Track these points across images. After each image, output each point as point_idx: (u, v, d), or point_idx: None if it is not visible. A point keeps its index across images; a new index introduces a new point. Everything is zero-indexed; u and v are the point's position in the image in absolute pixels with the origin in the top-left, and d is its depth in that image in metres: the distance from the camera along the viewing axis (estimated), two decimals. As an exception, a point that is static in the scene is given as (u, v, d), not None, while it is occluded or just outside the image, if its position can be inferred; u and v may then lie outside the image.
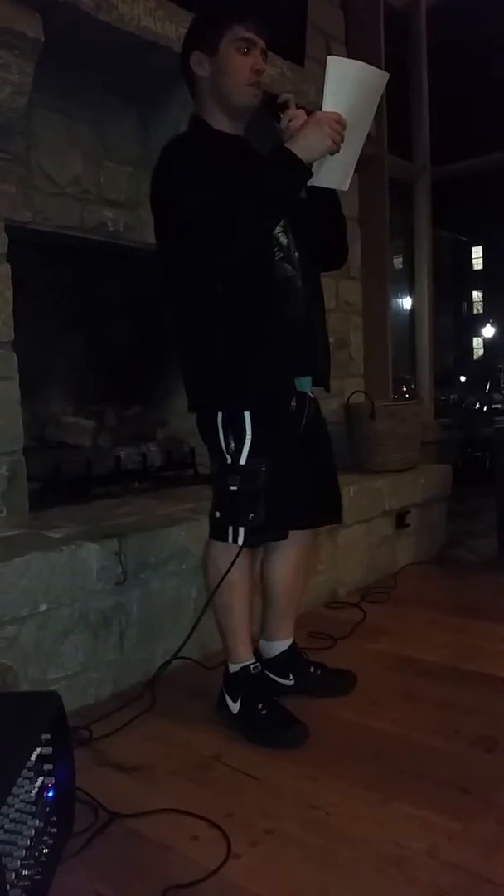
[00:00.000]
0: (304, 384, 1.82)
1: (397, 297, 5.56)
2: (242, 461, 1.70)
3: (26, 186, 2.35)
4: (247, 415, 1.69)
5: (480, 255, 37.75)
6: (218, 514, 1.77)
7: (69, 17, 2.14)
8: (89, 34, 2.26)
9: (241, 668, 1.83)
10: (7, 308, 2.25)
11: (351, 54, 3.72)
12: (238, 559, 1.75)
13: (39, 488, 2.54)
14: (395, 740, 1.76)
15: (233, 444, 1.71)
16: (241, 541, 1.73)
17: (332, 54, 3.59)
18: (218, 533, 1.77)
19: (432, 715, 1.89)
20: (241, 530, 1.72)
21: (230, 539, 1.73)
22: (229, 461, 1.72)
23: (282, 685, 1.99)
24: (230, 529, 1.73)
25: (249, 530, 1.72)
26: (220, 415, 1.72)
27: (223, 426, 1.72)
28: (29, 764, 1.25)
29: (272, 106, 1.70)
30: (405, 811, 1.47)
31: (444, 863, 1.30)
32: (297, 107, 1.68)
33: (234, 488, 1.71)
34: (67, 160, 2.48)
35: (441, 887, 1.24)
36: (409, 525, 3.36)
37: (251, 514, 1.71)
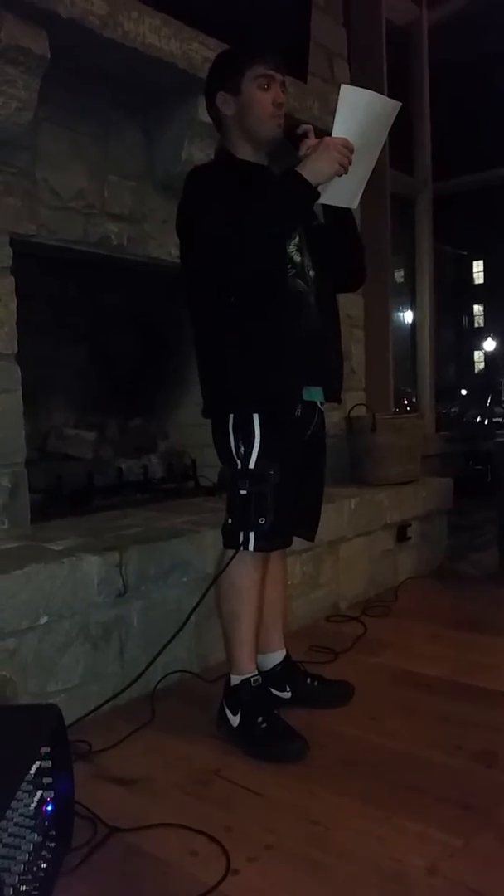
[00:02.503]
0: (314, 394, 1.88)
1: (399, 310, 5.58)
2: (252, 465, 1.76)
3: (31, 200, 2.36)
4: (256, 417, 1.76)
5: (482, 269, 37.86)
6: (230, 520, 1.81)
7: (75, 34, 2.17)
8: (95, 51, 2.29)
9: (243, 681, 1.83)
10: (11, 320, 2.26)
11: (353, 71, 3.75)
12: (249, 567, 1.79)
13: (41, 500, 2.54)
14: (396, 755, 1.76)
15: (243, 448, 1.77)
16: (251, 546, 1.76)
17: (335, 70, 3.65)
18: (230, 540, 1.80)
19: (433, 729, 1.88)
20: (252, 535, 1.76)
21: (241, 545, 1.77)
22: (239, 465, 1.78)
23: (279, 698, 1.98)
24: (241, 535, 1.77)
25: (260, 535, 1.76)
26: (231, 418, 1.79)
27: (234, 430, 1.78)
28: (28, 777, 1.24)
29: (292, 136, 1.83)
30: (405, 826, 1.46)
31: (445, 879, 1.30)
32: (315, 134, 1.80)
33: (244, 493, 1.76)
34: (72, 174, 2.50)
35: (441, 904, 1.24)
36: (410, 538, 3.36)
37: (261, 519, 1.75)
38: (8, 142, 2.24)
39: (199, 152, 2.67)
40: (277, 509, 1.76)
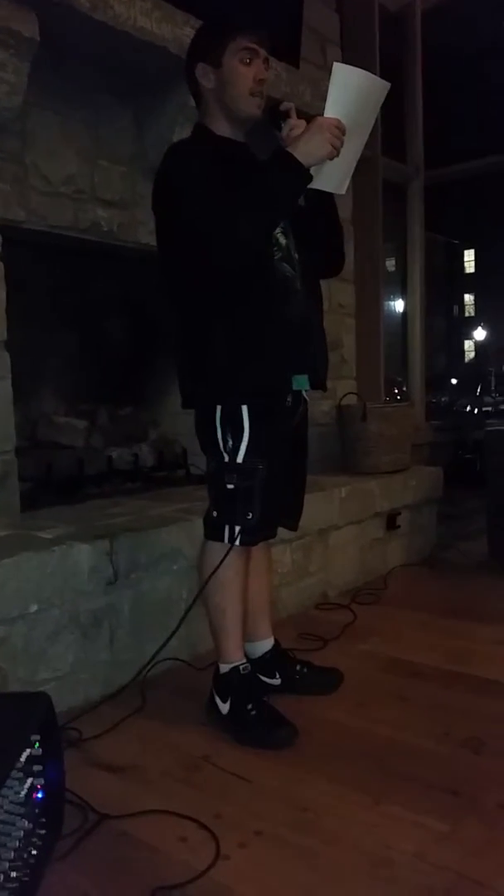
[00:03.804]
0: (301, 382, 1.83)
1: (390, 299, 5.58)
2: (240, 459, 1.73)
3: (21, 185, 2.34)
4: (244, 409, 1.72)
5: (472, 258, 37.88)
6: (215, 513, 1.79)
7: (65, 17, 2.14)
8: (85, 34, 2.26)
9: (232, 669, 1.83)
10: (0, 307, 2.24)
11: (346, 56, 3.73)
12: (232, 558, 1.76)
13: (31, 488, 2.53)
14: (384, 741, 1.77)
15: (231, 442, 1.73)
16: (237, 541, 1.74)
17: (328, 56, 3.62)
18: (214, 533, 1.79)
19: (422, 716, 1.89)
20: (238, 529, 1.74)
21: (226, 539, 1.75)
22: (227, 459, 1.74)
23: (269, 684, 1.99)
24: (227, 529, 1.75)
25: (246, 529, 1.74)
26: (218, 410, 1.74)
27: (221, 423, 1.74)
28: (18, 765, 1.24)
29: (274, 114, 1.76)
30: (394, 813, 1.47)
31: (432, 864, 1.31)
32: (298, 116, 1.74)
33: (231, 486, 1.73)
34: (62, 159, 2.48)
35: (429, 889, 1.25)
36: (399, 527, 3.37)
37: (248, 513, 1.73)
38: (-3, 126, 2.21)
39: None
40: (264, 503, 1.74)
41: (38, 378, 2.96)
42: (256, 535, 1.79)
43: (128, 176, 2.72)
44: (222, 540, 1.76)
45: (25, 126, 2.35)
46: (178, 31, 2.43)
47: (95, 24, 2.21)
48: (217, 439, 1.75)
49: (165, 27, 2.40)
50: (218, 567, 1.76)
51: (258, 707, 1.80)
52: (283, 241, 1.77)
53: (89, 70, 2.50)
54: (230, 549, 1.75)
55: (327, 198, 1.82)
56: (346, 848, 1.37)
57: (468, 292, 37.74)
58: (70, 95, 2.49)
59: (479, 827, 1.42)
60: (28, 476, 2.52)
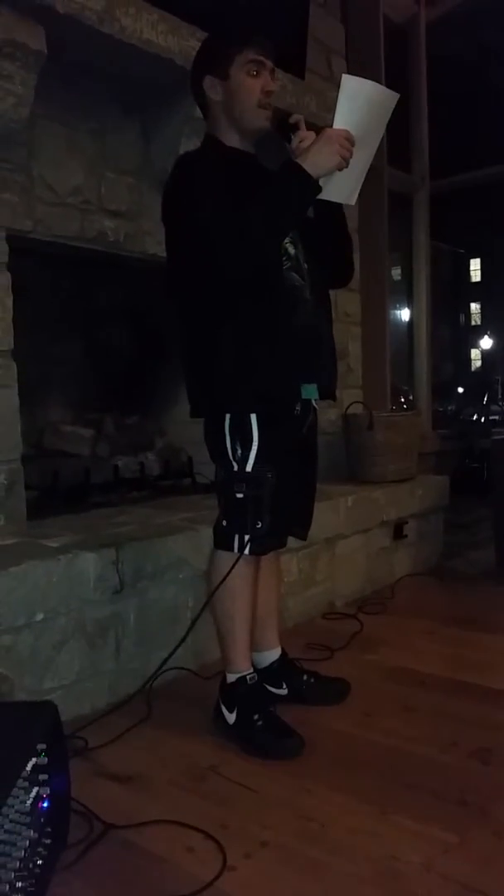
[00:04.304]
0: (310, 392, 1.83)
1: (396, 308, 5.59)
2: (249, 468, 1.73)
3: (27, 196, 2.36)
4: (253, 418, 1.72)
5: (478, 267, 37.90)
6: (225, 522, 1.78)
7: (72, 30, 2.16)
8: (92, 46, 2.28)
9: (239, 679, 1.83)
10: (7, 316, 2.25)
11: (351, 67, 3.75)
12: (242, 568, 1.76)
13: (37, 497, 2.54)
14: (392, 752, 1.76)
15: (240, 451, 1.73)
16: (247, 550, 1.74)
17: (333, 67, 3.64)
18: (224, 542, 1.78)
19: (429, 726, 1.88)
20: (248, 538, 1.74)
21: (236, 548, 1.75)
22: (236, 468, 1.74)
23: (275, 694, 1.99)
24: (236, 538, 1.75)
25: (255, 538, 1.74)
26: (227, 419, 1.74)
27: (230, 432, 1.74)
28: (24, 774, 1.24)
29: (283, 126, 1.77)
30: (401, 823, 1.46)
31: (441, 875, 1.30)
32: (307, 127, 1.75)
33: (240, 496, 1.73)
34: (68, 170, 2.50)
35: (437, 900, 1.24)
36: (406, 536, 3.36)
37: (258, 522, 1.73)
38: (4, 137, 2.23)
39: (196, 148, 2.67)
40: (274, 512, 1.74)
41: (45, 387, 2.96)
42: (266, 544, 1.79)
43: (134, 187, 2.73)
44: (232, 549, 1.75)
45: (32, 137, 2.36)
46: (184, 44, 2.45)
47: (102, 36, 2.23)
48: (226, 448, 1.75)
49: (171, 39, 2.42)
50: (227, 575, 1.76)
51: (265, 717, 1.79)
52: (291, 250, 1.78)
53: (96, 82, 2.52)
54: (239, 557, 1.75)
55: (336, 209, 1.83)
56: (352, 858, 1.36)
57: (474, 301, 37.75)
58: (77, 107, 2.51)
59: (488, 838, 1.41)
60: (34, 484, 2.53)
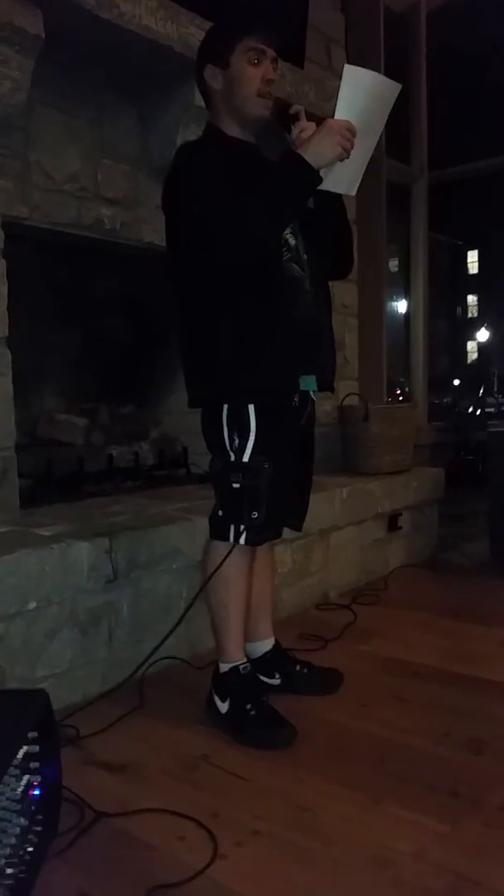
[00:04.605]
0: (308, 383, 1.83)
1: (393, 299, 5.58)
2: (246, 458, 1.73)
3: (24, 182, 2.34)
4: (251, 408, 1.72)
5: (476, 259, 37.88)
6: (221, 512, 1.78)
7: (70, 14, 2.14)
8: (90, 32, 2.26)
9: (232, 668, 1.83)
10: (2, 304, 2.25)
11: (350, 57, 3.72)
12: (237, 557, 1.76)
13: (30, 485, 2.53)
14: (384, 742, 1.76)
15: (237, 441, 1.73)
16: (243, 540, 1.74)
17: (332, 56, 3.62)
18: (219, 532, 1.78)
19: (422, 717, 1.89)
20: (243, 528, 1.74)
21: (232, 538, 1.75)
22: (233, 458, 1.74)
23: (268, 684, 1.99)
24: (232, 528, 1.75)
25: (251, 529, 1.74)
26: (225, 409, 1.74)
27: (228, 422, 1.74)
28: (15, 762, 1.24)
29: (284, 117, 1.77)
30: (393, 813, 1.47)
31: (432, 865, 1.30)
32: (307, 118, 1.75)
33: (237, 485, 1.73)
34: (65, 157, 2.48)
35: (428, 889, 1.24)
36: (401, 528, 3.37)
37: (254, 513, 1.73)
38: (1, 123, 2.21)
39: (194, 137, 2.64)
40: (270, 503, 1.74)
41: (39, 375, 2.95)
42: (262, 534, 1.78)
43: (131, 175, 2.72)
44: (227, 539, 1.75)
45: (29, 123, 2.35)
46: (183, 31, 2.43)
47: (101, 22, 2.21)
48: (223, 438, 1.75)
49: (170, 26, 2.40)
50: (221, 564, 1.76)
51: (257, 707, 1.79)
52: (292, 241, 1.77)
53: (94, 68, 2.50)
54: (233, 546, 1.75)
55: (336, 200, 1.83)
56: (344, 848, 1.36)
57: (472, 293, 37.74)
58: (74, 93, 2.49)
59: (479, 828, 1.42)
60: (28, 473, 2.52)
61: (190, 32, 2.44)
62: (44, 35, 2.11)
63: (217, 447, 1.79)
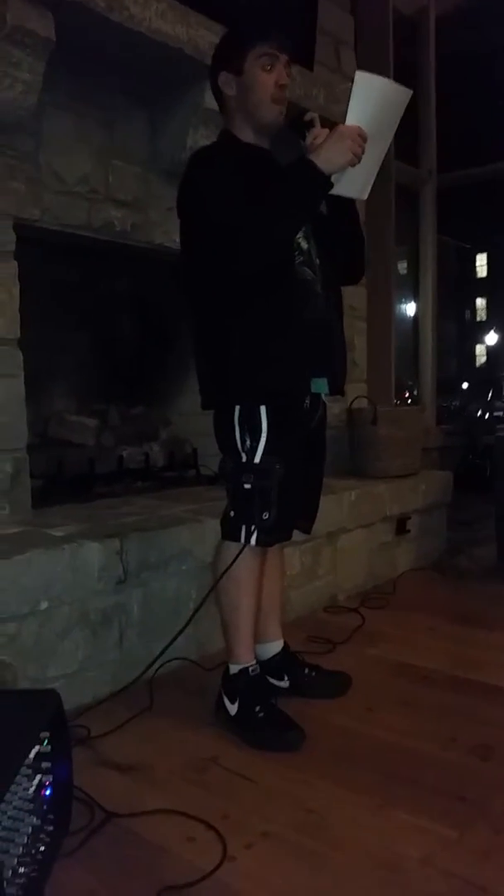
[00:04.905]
0: (320, 386, 1.84)
1: (401, 302, 5.57)
2: (257, 459, 1.74)
3: (34, 184, 2.35)
4: (263, 410, 1.73)
5: (485, 262, 37.80)
6: (232, 513, 1.79)
7: (81, 17, 2.15)
8: (100, 34, 2.27)
9: (241, 670, 1.83)
10: (13, 305, 2.25)
11: (360, 59, 3.73)
12: (248, 559, 1.77)
13: (42, 486, 2.54)
14: (392, 746, 1.76)
15: (248, 442, 1.75)
16: (254, 541, 1.75)
17: (342, 59, 3.62)
18: (231, 533, 1.79)
19: (429, 722, 1.88)
20: (255, 529, 1.74)
21: (243, 539, 1.75)
22: (244, 459, 1.75)
23: (277, 687, 1.99)
24: (243, 529, 1.76)
25: (262, 529, 1.75)
26: (237, 410, 1.75)
27: (240, 423, 1.76)
28: (27, 762, 1.25)
29: (298, 124, 1.79)
30: (401, 818, 1.47)
31: (439, 870, 1.30)
32: (322, 124, 1.76)
33: (248, 486, 1.74)
34: (76, 159, 2.49)
35: (435, 894, 1.25)
36: (409, 531, 3.36)
37: (265, 514, 1.74)
38: (12, 125, 2.22)
39: (205, 140, 2.65)
40: (281, 504, 1.75)
41: (51, 376, 2.96)
42: (272, 535, 1.79)
43: (142, 177, 2.72)
44: (239, 540, 1.76)
45: (40, 125, 2.36)
46: (193, 33, 2.44)
47: (111, 24, 2.22)
48: (235, 439, 1.77)
49: (180, 29, 2.41)
50: (231, 564, 1.76)
51: (266, 709, 1.80)
52: (304, 245, 1.79)
53: (104, 70, 2.51)
54: (244, 547, 1.76)
55: (349, 205, 1.85)
56: (352, 851, 1.36)
57: (480, 297, 37.65)
58: (85, 96, 2.50)
59: (487, 833, 1.41)
60: (39, 474, 2.53)
61: (199, 35, 2.45)
62: (55, 38, 2.12)
63: (229, 448, 1.80)
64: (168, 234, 2.75)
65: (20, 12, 2.03)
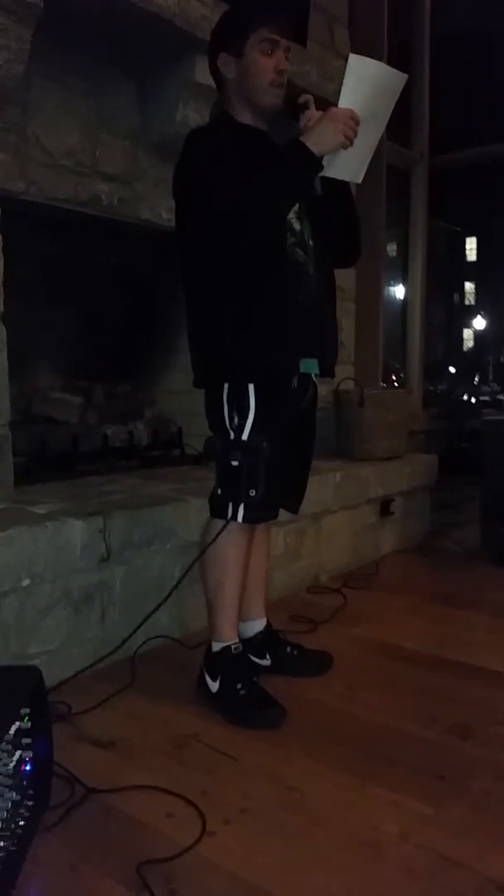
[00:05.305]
0: (310, 366, 1.84)
1: (390, 284, 5.55)
2: (245, 437, 1.74)
3: (21, 156, 2.31)
4: (251, 388, 1.74)
5: (475, 246, 37.73)
6: (220, 490, 1.80)
7: (69, -16, 2.10)
8: (89, 3, 2.22)
9: (224, 648, 1.84)
10: (-3, 279, 2.22)
11: (353, 37, 3.68)
12: (235, 536, 1.78)
13: (25, 463, 2.52)
14: (372, 725, 1.78)
15: (236, 419, 1.75)
16: (240, 517, 1.76)
17: (335, 36, 3.57)
18: (218, 510, 1.80)
19: (409, 701, 1.90)
20: (242, 507, 1.75)
21: (230, 515, 1.76)
22: (232, 436, 1.76)
23: (259, 665, 2.00)
24: (230, 506, 1.76)
25: (249, 507, 1.75)
26: (225, 388, 1.76)
27: (228, 400, 1.76)
28: (7, 737, 1.25)
29: (293, 106, 1.79)
30: (380, 795, 1.48)
31: (417, 845, 1.32)
32: (317, 106, 1.76)
33: (235, 463, 1.75)
34: (63, 131, 2.45)
35: (412, 869, 1.26)
36: (393, 513, 3.38)
37: (252, 491, 1.75)
38: (-1, 95, 2.18)
39: (195, 114, 2.62)
40: (268, 482, 1.76)
41: (35, 352, 2.94)
42: (259, 513, 1.80)
43: (130, 151, 2.69)
44: (226, 517, 1.77)
45: (27, 96, 2.31)
46: (185, 5, 2.40)
47: (101, -8, 2.18)
48: (223, 417, 1.78)
49: (172, 0, 2.36)
50: (216, 538, 1.77)
51: (248, 687, 1.81)
52: (297, 226, 1.79)
53: (93, 41, 2.46)
54: (227, 523, 1.76)
55: (344, 188, 1.84)
56: (331, 827, 1.38)
57: (469, 281, 37.62)
58: (73, 67, 2.45)
59: (464, 811, 1.43)
60: (22, 451, 2.51)
61: (191, 6, 2.41)
62: (42, 4, 2.07)
63: (218, 426, 1.81)
64: (155, 209, 2.72)
65: (6, -23, 1.99)
